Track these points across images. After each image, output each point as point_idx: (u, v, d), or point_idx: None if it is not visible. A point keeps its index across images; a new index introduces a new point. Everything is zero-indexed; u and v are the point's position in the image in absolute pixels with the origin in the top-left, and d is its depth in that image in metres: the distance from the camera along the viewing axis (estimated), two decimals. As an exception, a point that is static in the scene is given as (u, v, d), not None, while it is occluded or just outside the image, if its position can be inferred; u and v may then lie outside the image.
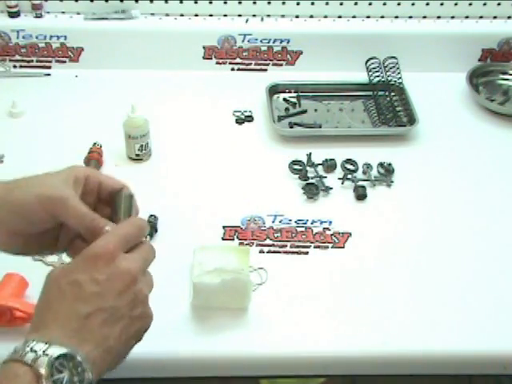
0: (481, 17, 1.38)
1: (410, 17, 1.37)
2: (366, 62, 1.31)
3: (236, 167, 1.13)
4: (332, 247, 0.98)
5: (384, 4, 1.35)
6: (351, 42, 1.34)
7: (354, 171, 1.12)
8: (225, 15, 1.35)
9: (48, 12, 1.32)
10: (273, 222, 1.01)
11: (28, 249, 0.67)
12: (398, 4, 1.35)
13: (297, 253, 0.97)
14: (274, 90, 1.29)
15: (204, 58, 1.35)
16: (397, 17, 1.37)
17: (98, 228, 0.61)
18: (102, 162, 1.10)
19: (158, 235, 0.97)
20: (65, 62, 1.34)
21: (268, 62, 1.36)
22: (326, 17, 1.36)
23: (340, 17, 1.36)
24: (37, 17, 1.31)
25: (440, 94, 1.33)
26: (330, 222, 1.01)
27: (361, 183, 1.09)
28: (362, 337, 0.85)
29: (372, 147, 1.18)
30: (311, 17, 1.36)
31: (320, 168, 1.12)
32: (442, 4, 1.36)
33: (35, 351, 0.52)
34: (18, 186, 0.63)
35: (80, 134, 1.17)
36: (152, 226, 0.97)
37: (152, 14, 1.34)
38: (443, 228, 1.03)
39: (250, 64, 1.36)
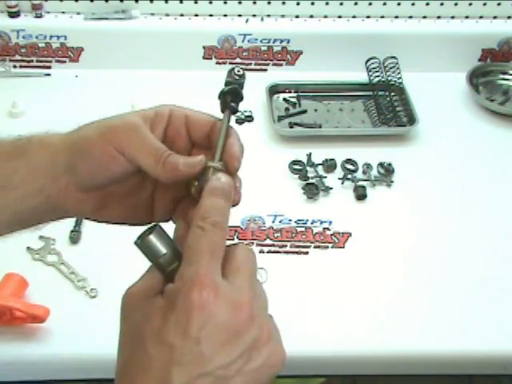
0: (481, 17, 1.38)
1: (410, 17, 1.37)
2: (366, 62, 1.31)
3: (236, 167, 1.13)
4: (332, 247, 0.98)
5: (384, 4, 1.35)
6: (351, 42, 1.34)
7: (354, 171, 1.12)
8: (225, 15, 1.35)
9: (48, 12, 1.32)
10: (273, 222, 1.01)
11: (112, 213, 0.52)
12: (398, 4, 1.35)
13: (297, 253, 0.97)
14: (273, 89, 1.29)
15: (204, 58, 1.35)
16: (397, 17, 1.37)
17: (178, 169, 0.48)
18: (101, 162, 1.10)
19: (158, 235, 0.97)
20: (65, 62, 1.34)
21: (268, 62, 1.36)
22: (326, 17, 1.36)
23: (340, 17, 1.36)
24: (37, 17, 1.31)
25: (440, 94, 1.33)
26: (330, 222, 1.01)
27: (361, 183, 1.09)
28: (362, 337, 0.85)
29: (372, 147, 1.18)
30: (311, 17, 1.36)
31: (320, 168, 1.12)
32: (442, 4, 1.35)
33: None
34: (85, 126, 0.52)
35: (80, 134, 1.17)
36: None
37: (152, 14, 1.34)
38: (443, 228, 1.02)
39: (250, 64, 1.36)
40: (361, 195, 1.07)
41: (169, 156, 0.48)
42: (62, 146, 0.51)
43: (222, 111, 0.54)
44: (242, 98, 0.55)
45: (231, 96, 0.55)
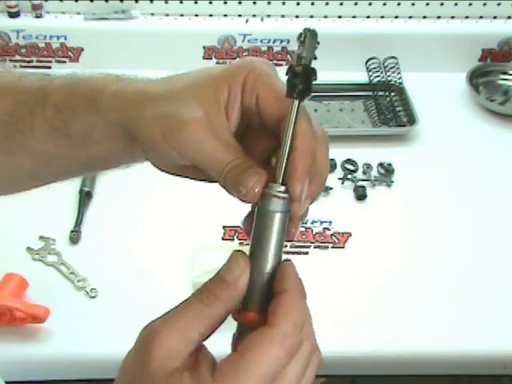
0: (481, 17, 1.38)
1: (410, 17, 1.37)
2: (366, 62, 1.31)
3: (236, 167, 1.13)
4: (332, 247, 0.98)
5: (384, 4, 1.35)
6: (351, 41, 1.34)
7: (354, 171, 1.12)
8: (225, 15, 1.35)
9: (48, 12, 1.32)
10: (273, 222, 1.01)
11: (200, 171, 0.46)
12: (398, 4, 1.35)
13: (297, 253, 0.97)
14: (274, 90, 1.29)
15: (204, 58, 1.35)
16: (397, 17, 1.37)
17: (238, 190, 0.41)
18: (102, 162, 1.10)
19: (158, 235, 0.97)
20: (65, 62, 1.34)
21: (268, 62, 1.36)
22: (325, 17, 1.36)
23: (340, 17, 1.36)
24: (37, 17, 1.31)
25: (440, 94, 1.33)
26: (330, 222, 1.01)
27: (361, 183, 1.09)
28: (362, 337, 0.85)
29: (372, 147, 1.18)
30: (311, 17, 1.36)
31: (320, 168, 1.12)
32: (442, 4, 1.36)
33: None
34: (148, 99, 0.48)
35: (80, 134, 1.17)
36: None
37: (152, 14, 1.34)
38: (443, 228, 1.02)
39: (250, 64, 1.36)
40: (361, 195, 1.07)
41: (230, 171, 0.42)
42: (132, 114, 0.46)
43: (288, 96, 0.38)
44: (315, 78, 0.39)
45: (303, 78, 0.38)
